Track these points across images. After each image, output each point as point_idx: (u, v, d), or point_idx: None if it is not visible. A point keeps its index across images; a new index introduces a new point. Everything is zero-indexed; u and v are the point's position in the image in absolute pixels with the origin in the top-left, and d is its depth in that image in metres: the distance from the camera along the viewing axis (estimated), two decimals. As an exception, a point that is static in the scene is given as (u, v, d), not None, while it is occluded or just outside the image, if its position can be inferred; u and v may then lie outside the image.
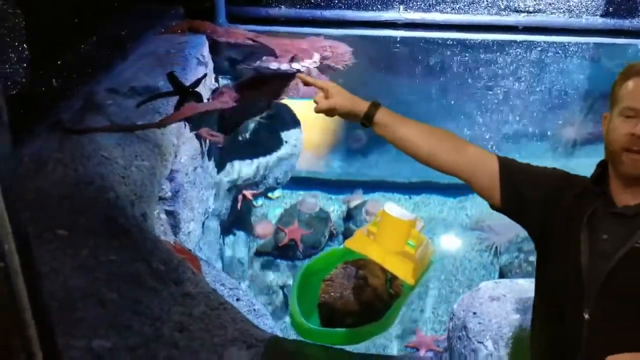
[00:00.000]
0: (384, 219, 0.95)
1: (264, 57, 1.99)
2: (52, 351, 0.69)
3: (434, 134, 0.97)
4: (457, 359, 1.38)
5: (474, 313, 1.44)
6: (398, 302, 1.02)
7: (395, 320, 1.04)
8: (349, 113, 0.97)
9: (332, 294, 1.05)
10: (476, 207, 2.94)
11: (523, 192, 0.93)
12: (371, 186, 2.83)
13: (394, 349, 2.04)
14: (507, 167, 0.96)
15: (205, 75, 1.96)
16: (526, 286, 1.50)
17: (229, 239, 2.22)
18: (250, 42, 2.15)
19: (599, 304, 0.83)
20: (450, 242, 2.79)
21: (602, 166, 0.93)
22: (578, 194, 0.91)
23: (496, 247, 2.70)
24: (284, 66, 1.85)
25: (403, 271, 0.94)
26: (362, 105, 0.96)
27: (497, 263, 2.68)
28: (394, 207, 0.97)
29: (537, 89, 2.94)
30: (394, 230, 0.95)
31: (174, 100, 1.75)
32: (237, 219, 2.31)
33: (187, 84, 1.83)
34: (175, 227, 1.59)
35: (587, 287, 0.84)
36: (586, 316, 0.84)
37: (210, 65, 2.18)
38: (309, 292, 1.07)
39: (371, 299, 1.03)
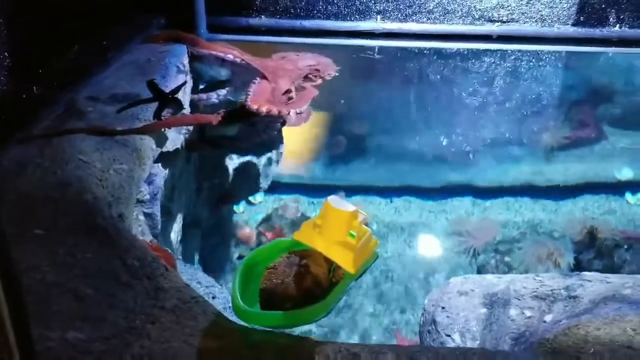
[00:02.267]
0: (327, 211, 1.00)
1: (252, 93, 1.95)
2: (24, 332, 0.74)
3: None
4: (425, 351, 1.43)
5: (443, 307, 1.50)
6: (336, 289, 1.06)
7: (332, 306, 1.08)
8: None
9: (274, 280, 1.09)
10: (455, 211, 3.01)
11: None
12: (352, 190, 2.89)
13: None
14: None
15: (185, 82, 2.02)
16: (494, 281, 1.56)
17: (210, 243, 2.26)
18: (231, 57, 2.18)
19: None
20: (430, 245, 2.85)
21: None
22: None
23: (474, 249, 2.77)
24: (271, 110, 1.83)
25: (344, 260, 0.99)
26: None
27: (475, 264, 2.74)
28: (337, 200, 1.03)
29: (513, 96, 3.02)
30: (336, 221, 1.00)
31: (153, 106, 1.80)
32: (217, 224, 2.35)
33: (167, 90, 1.89)
34: (153, 229, 1.63)
35: None
36: None
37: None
38: (254, 280, 1.12)
39: (311, 286, 1.08)
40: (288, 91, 1.99)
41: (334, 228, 1.00)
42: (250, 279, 1.11)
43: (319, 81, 2.24)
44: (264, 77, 2.04)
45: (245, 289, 1.09)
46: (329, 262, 1.07)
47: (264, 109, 1.79)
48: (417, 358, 1.01)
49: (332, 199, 1.02)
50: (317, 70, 2.24)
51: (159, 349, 0.99)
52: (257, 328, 1.06)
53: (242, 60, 2.14)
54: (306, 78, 2.18)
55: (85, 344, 0.99)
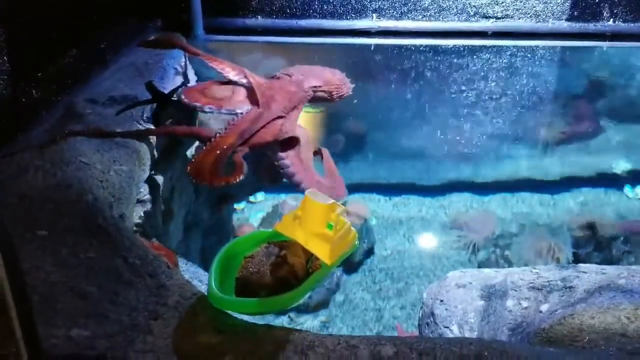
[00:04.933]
0: (306, 204, 1.03)
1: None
2: (31, 330, 0.76)
3: None
4: (424, 344, 1.45)
5: (441, 300, 1.52)
6: (310, 279, 1.09)
7: (303, 295, 1.11)
8: None
9: (250, 269, 1.12)
10: (454, 206, 3.02)
11: None
12: (351, 188, 2.90)
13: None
14: None
15: (183, 84, 2.03)
16: (492, 274, 1.58)
17: (210, 242, 2.27)
18: (231, 75, 1.88)
19: None
20: (429, 241, 2.86)
21: None
22: None
23: (474, 244, 2.78)
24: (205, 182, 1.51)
25: (321, 251, 1.02)
26: None
27: (475, 260, 2.76)
28: (316, 193, 1.05)
29: (509, 92, 3.04)
30: (314, 213, 1.02)
31: (152, 108, 1.82)
32: (218, 223, 2.37)
33: (166, 92, 1.91)
34: (154, 229, 1.65)
35: None
36: None
37: (191, 74, 2.25)
38: (234, 269, 1.15)
39: (286, 276, 1.10)
40: (279, 117, 1.79)
41: (312, 220, 1.02)
42: (229, 268, 1.15)
43: (330, 103, 2.06)
44: (256, 102, 1.79)
45: (224, 277, 1.12)
46: (307, 252, 1.10)
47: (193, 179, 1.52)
48: (416, 348, 1.03)
49: (311, 192, 1.04)
50: (325, 92, 2.01)
51: (162, 345, 1.01)
52: (257, 322, 1.09)
53: (244, 77, 1.88)
54: (314, 100, 2.01)
55: (90, 340, 1.01)
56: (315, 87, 1.99)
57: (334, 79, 2.06)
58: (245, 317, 1.12)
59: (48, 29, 1.83)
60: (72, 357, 0.97)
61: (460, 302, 1.49)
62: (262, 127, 1.74)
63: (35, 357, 0.78)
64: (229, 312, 1.09)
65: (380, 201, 2.98)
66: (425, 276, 2.61)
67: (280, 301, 1.08)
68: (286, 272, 1.11)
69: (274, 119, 1.79)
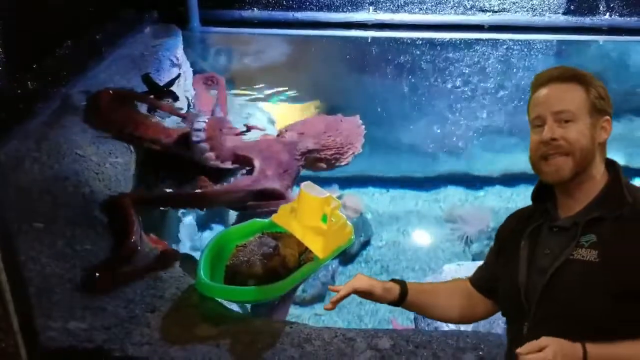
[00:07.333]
0: (302, 197, 1.04)
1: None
2: (28, 323, 0.76)
3: (451, 300, 0.98)
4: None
5: (437, 294, 1.52)
6: (298, 271, 1.10)
7: (290, 287, 1.13)
8: (381, 297, 0.96)
9: (241, 258, 1.14)
10: (449, 199, 3.02)
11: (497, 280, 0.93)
12: (348, 181, 2.90)
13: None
14: (477, 280, 0.99)
15: (179, 75, 2.03)
16: (487, 268, 1.59)
17: (207, 234, 2.27)
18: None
19: (537, 319, 0.85)
20: (424, 234, 2.87)
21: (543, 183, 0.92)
22: (524, 217, 0.93)
23: (467, 237, 2.79)
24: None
25: (314, 245, 1.02)
26: (392, 292, 0.96)
27: (469, 252, 2.77)
28: (311, 186, 1.05)
29: (505, 85, 3.04)
30: (309, 206, 1.03)
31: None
32: (215, 215, 2.36)
33: (162, 84, 1.90)
34: (152, 221, 1.64)
35: (525, 304, 0.86)
36: (524, 330, 0.86)
37: (186, 66, 2.23)
38: (225, 257, 1.16)
39: (276, 266, 1.12)
40: (280, 196, 1.64)
41: (306, 213, 1.03)
42: (222, 256, 1.16)
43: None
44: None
45: (216, 265, 1.14)
46: (301, 244, 1.11)
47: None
48: (412, 341, 1.03)
49: (306, 185, 1.05)
50: (321, 159, 1.86)
51: (159, 337, 1.02)
52: (255, 317, 1.09)
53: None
54: (310, 166, 1.89)
55: (87, 333, 1.01)
56: (310, 150, 1.80)
57: (334, 142, 1.85)
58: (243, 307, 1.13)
59: (45, 20, 1.81)
60: (69, 349, 0.98)
61: (455, 295, 1.50)
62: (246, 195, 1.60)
63: (33, 350, 0.78)
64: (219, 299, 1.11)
65: (376, 194, 2.98)
66: (421, 269, 2.62)
67: (265, 291, 1.09)
68: (277, 263, 1.12)
69: (272, 194, 1.64)
